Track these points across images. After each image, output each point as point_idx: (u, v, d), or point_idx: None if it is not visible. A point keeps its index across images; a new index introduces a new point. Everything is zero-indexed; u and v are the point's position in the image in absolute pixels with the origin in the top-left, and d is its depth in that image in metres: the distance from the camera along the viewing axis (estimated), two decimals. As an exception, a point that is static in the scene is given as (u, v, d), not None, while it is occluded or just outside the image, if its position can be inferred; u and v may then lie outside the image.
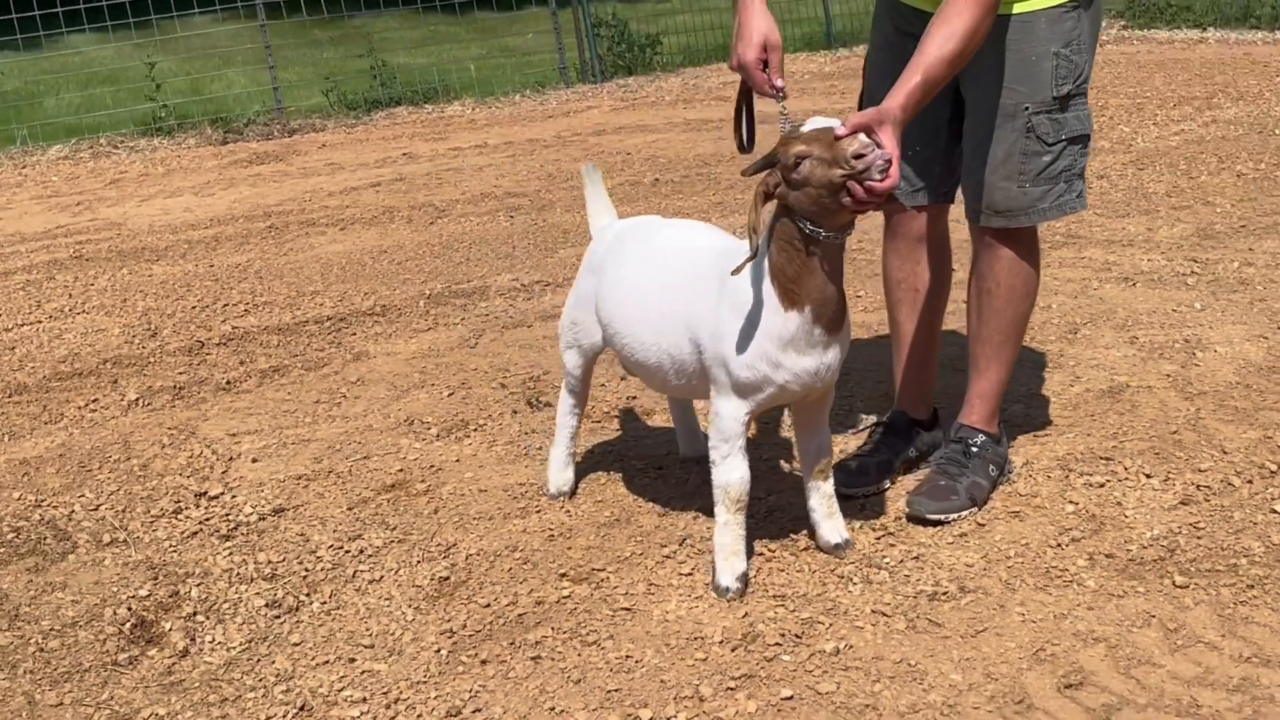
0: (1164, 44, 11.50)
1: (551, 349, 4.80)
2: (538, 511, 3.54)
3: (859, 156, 2.66)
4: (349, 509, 3.66)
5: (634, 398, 4.25)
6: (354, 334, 5.18)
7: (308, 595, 3.24)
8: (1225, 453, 3.54)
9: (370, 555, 3.38)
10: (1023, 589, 3.00)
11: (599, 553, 3.30)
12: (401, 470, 3.87)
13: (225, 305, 5.67)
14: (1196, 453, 3.55)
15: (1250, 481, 3.38)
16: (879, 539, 3.28)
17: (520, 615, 3.06)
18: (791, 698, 2.67)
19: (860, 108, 3.36)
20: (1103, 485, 3.42)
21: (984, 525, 3.29)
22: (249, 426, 4.31)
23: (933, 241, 3.53)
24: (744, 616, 2.97)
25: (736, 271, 2.80)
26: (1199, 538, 3.15)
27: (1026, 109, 3.10)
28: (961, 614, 2.93)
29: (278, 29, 12.49)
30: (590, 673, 2.81)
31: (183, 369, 4.92)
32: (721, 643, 2.88)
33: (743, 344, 2.89)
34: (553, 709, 2.71)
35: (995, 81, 3.10)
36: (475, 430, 4.12)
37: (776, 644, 2.86)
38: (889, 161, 2.67)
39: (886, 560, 3.16)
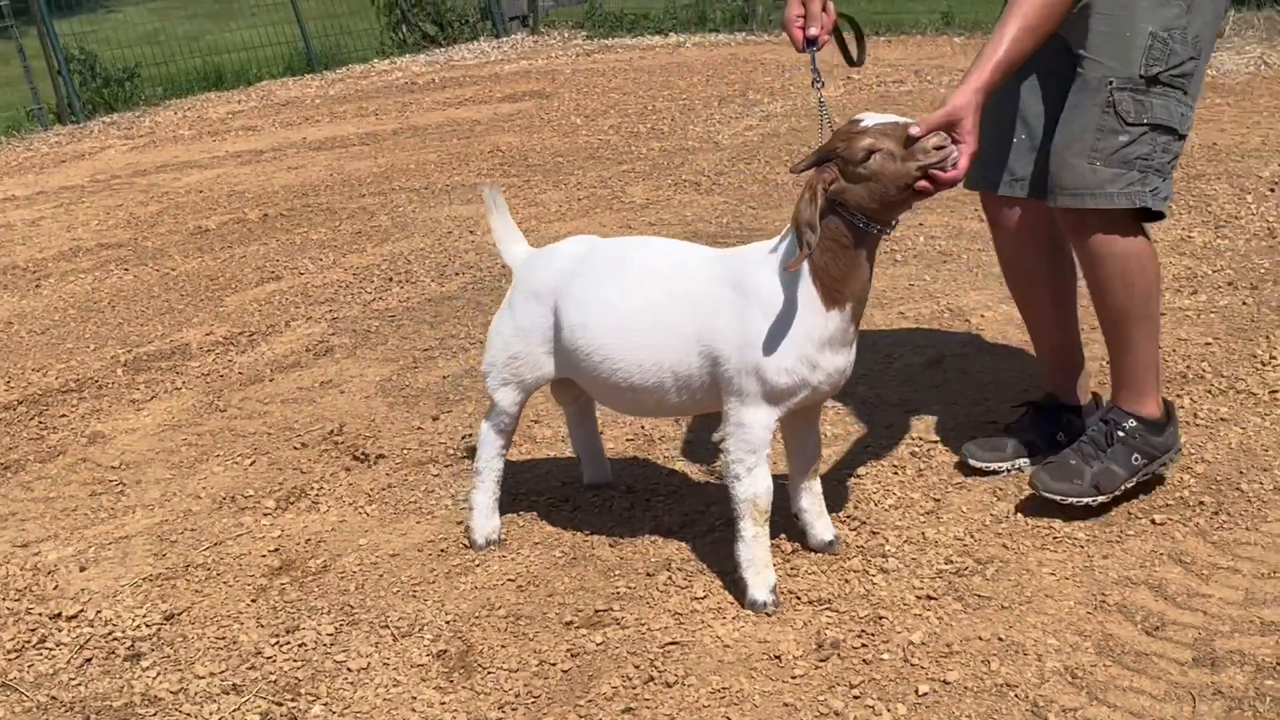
0: (647, 50, 12.12)
1: (323, 399, 4.45)
2: (478, 565, 3.29)
3: (940, 148, 2.69)
4: (253, 600, 3.24)
5: (467, 435, 4.01)
6: (62, 415, 4.54)
7: (294, 700, 2.85)
8: (1083, 403, 3.84)
9: (333, 645, 3.02)
10: (1030, 551, 3.15)
11: (589, 594, 3.12)
12: (277, 550, 3.47)
13: None
14: (1062, 406, 3.84)
15: (1130, 424, 3.70)
16: (854, 530, 3.31)
17: (566, 671, 2.85)
18: (929, 693, 2.67)
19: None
20: (1011, 447, 3.61)
21: (939, 500, 3.41)
22: (34, 534, 3.70)
23: (1040, 233, 3.35)
24: (803, 627, 2.93)
25: (793, 268, 2.74)
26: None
27: (1110, 84, 2.97)
28: (999, 584, 3.03)
29: None
30: (702, 713, 2.68)
31: (-124, 482, 4.11)
32: (804, 656, 2.83)
33: (781, 349, 2.84)
34: (697, 757, 2.55)
35: (1087, 53, 3.00)
36: (321, 495, 3.75)
37: (861, 645, 2.84)
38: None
39: (886, 548, 3.21)
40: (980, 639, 2.83)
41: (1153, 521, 3.22)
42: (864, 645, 2.84)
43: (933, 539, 3.23)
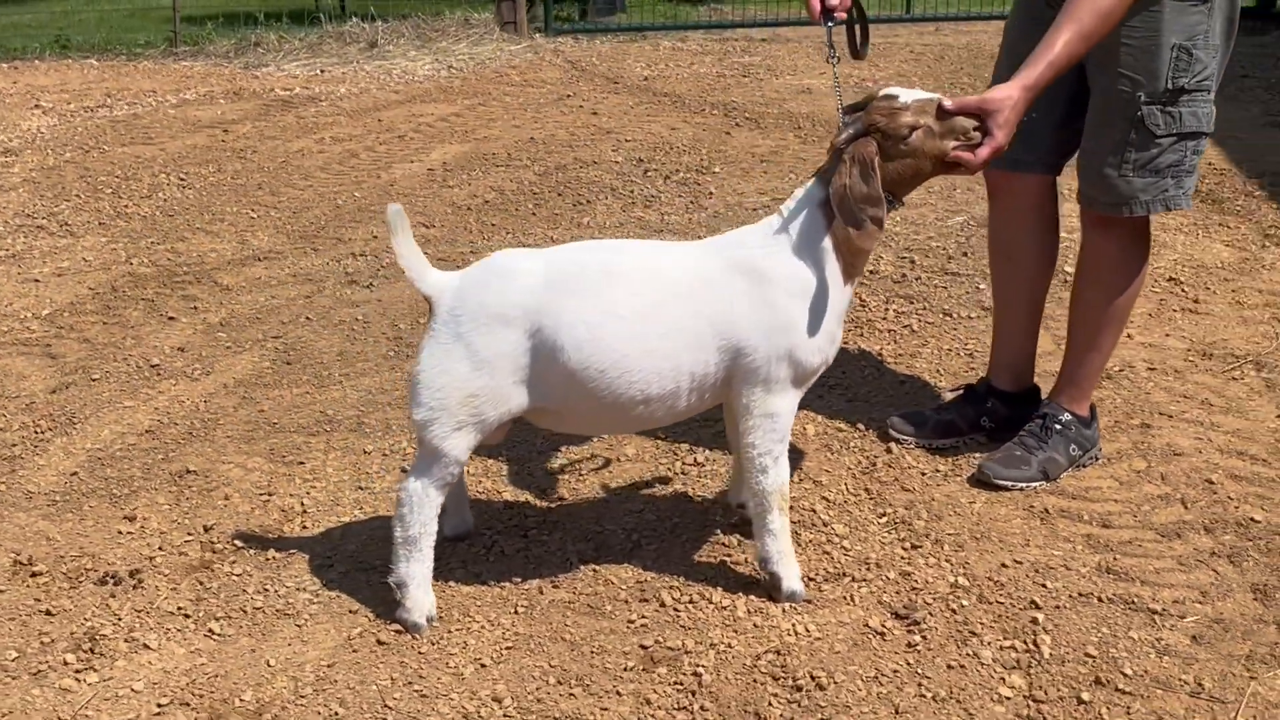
0: None
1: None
2: (447, 646, 2.86)
3: (977, 129, 2.85)
4: (228, 764, 2.58)
5: (211, 525, 3.39)
6: None
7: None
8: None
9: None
10: (930, 489, 3.45)
11: (611, 636, 2.89)
12: (173, 702, 2.75)
13: None
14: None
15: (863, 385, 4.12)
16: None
17: (705, 709, 2.68)
18: (1045, 620, 2.89)
19: (996, 71, 3.33)
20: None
21: (795, 467, 3.57)
22: None
23: (1038, 213, 3.43)
24: (857, 602, 2.97)
25: (867, 245, 2.77)
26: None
27: (1139, 98, 3.06)
28: (947, 522, 3.29)
29: None
30: (893, 699, 2.69)
31: None
32: (897, 627, 2.90)
33: (812, 328, 2.83)
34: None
35: (1114, 67, 3.07)
36: (127, 632, 2.97)
37: (930, 601, 2.97)
38: None
39: (817, 518, 3.33)
40: (1005, 567, 3.07)
41: (979, 441, 3.62)
42: (931, 600, 2.95)
43: (839, 500, 3.37)
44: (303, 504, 3.41)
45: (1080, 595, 2.93)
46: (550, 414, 2.87)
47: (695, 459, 3.58)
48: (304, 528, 3.31)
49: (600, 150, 6.91)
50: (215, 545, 3.23)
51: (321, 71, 9.69)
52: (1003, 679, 2.66)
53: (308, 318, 4.68)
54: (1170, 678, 2.66)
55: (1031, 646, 2.75)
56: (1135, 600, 2.90)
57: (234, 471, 3.59)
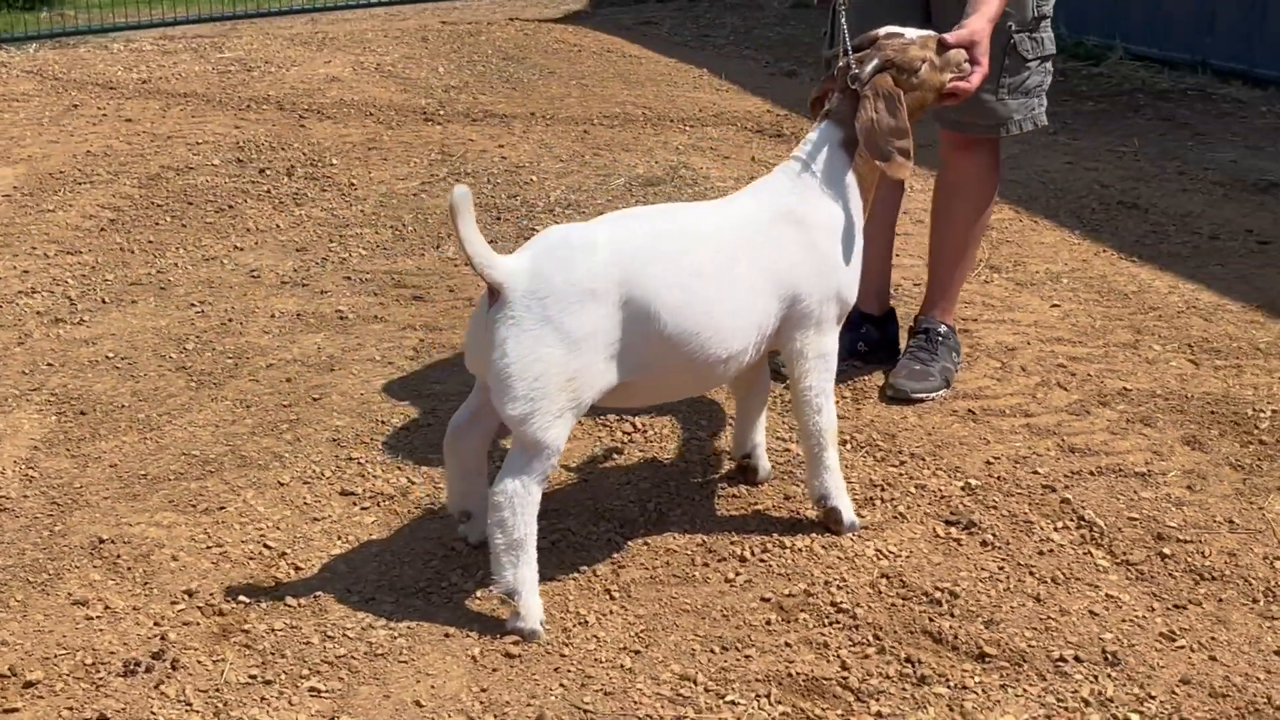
0: None
1: None
2: (583, 645, 2.77)
3: (967, 60, 3.13)
4: None
5: (192, 589, 3.06)
6: None
7: None
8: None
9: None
10: (865, 420, 3.67)
11: (731, 596, 2.89)
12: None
13: None
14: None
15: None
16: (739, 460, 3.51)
17: (872, 638, 2.85)
18: (1071, 499, 3.20)
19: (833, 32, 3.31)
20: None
21: (723, 422, 3.73)
22: None
23: None
24: (906, 520, 3.16)
25: (904, 174, 2.95)
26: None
27: (1010, 27, 3.38)
28: (907, 441, 3.52)
29: None
30: (1024, 590, 2.97)
31: None
32: (963, 534, 3.13)
33: (852, 263, 2.96)
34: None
35: None
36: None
37: (967, 504, 3.26)
38: None
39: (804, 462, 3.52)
40: (990, 464, 3.38)
41: (856, 366, 3.94)
42: (968, 505, 3.21)
43: (791, 437, 3.54)
44: (269, 547, 3.10)
45: (1073, 474, 3.28)
46: (631, 388, 2.82)
47: (631, 427, 3.59)
48: (297, 569, 3.02)
49: (182, 156, 6.47)
50: (219, 608, 2.88)
51: None
52: (1089, 553, 2.96)
53: (48, 363, 4.13)
54: (1206, 521, 3.07)
55: (1083, 523, 3.06)
56: (1119, 468, 3.29)
57: (153, 531, 3.18)
